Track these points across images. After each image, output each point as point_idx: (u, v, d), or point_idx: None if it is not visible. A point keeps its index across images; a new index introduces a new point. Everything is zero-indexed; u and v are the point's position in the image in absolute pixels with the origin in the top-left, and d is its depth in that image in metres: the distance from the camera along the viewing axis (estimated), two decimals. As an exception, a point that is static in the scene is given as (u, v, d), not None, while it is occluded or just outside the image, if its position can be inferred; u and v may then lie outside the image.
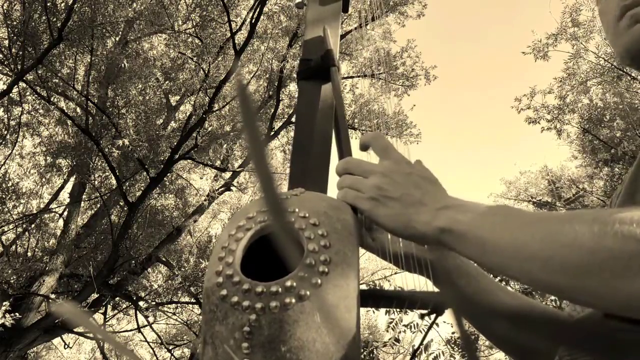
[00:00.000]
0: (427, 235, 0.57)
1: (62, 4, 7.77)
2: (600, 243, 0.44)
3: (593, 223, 0.46)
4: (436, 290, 0.73)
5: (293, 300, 0.47)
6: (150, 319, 9.52)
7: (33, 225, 9.14)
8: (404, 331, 5.15)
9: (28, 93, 8.67)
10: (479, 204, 0.57)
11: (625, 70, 9.99)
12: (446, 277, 0.75)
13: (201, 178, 11.11)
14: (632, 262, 0.43)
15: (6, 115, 8.65)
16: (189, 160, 9.17)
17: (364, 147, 0.69)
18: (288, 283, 0.48)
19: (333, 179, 0.69)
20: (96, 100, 8.15)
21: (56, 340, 9.83)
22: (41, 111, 9.25)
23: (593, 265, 0.44)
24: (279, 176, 9.35)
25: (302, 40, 1.02)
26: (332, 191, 0.69)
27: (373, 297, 0.76)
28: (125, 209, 8.41)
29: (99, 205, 9.50)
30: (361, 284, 0.57)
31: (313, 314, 0.48)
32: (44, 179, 10.07)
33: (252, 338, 0.47)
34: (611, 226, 0.44)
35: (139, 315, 9.24)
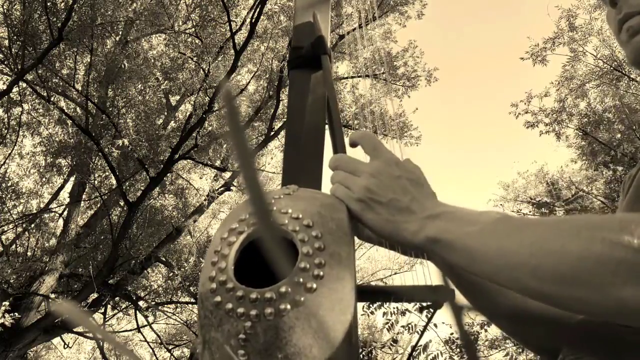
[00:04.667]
0: (415, 243, 0.57)
1: (62, 4, 7.76)
2: (588, 250, 0.44)
3: (581, 229, 0.46)
4: (434, 284, 0.72)
5: (288, 307, 0.47)
6: (150, 319, 9.52)
7: (33, 225, 9.14)
8: (402, 332, 5.15)
9: (28, 93, 8.68)
10: (468, 211, 0.56)
11: (624, 71, 9.98)
12: (443, 262, 0.74)
13: (201, 178, 11.12)
14: (620, 269, 0.42)
15: (6, 115, 8.65)
16: (188, 160, 9.17)
17: (353, 145, 0.68)
18: (282, 289, 0.47)
19: (327, 171, 0.69)
20: (96, 100, 8.14)
21: (56, 340, 9.84)
22: (41, 111, 9.25)
23: (581, 272, 0.44)
24: (278, 177, 9.35)
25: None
26: (326, 183, 0.68)
27: (371, 293, 0.75)
28: (125, 208, 8.41)
29: (99, 205, 9.49)
30: (359, 284, 0.56)
31: (309, 319, 0.47)
32: (43, 179, 10.08)
33: (248, 345, 0.46)
34: (599, 232, 0.44)
35: (139, 315, 9.24)
